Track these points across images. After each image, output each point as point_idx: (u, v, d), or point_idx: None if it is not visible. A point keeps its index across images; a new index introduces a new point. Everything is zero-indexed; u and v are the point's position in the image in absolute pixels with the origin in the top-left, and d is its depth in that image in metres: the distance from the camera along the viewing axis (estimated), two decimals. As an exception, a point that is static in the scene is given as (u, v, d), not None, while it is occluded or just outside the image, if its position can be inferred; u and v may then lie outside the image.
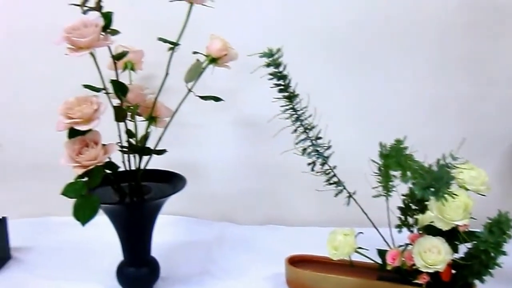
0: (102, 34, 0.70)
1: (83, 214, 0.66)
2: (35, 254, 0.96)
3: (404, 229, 0.77)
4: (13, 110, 1.06)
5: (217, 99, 0.84)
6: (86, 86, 0.73)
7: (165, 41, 0.77)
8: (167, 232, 0.99)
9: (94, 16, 0.71)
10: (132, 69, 0.86)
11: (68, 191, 0.68)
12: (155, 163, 0.83)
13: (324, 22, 1.01)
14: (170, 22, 0.80)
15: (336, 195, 0.80)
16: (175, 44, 0.78)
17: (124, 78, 0.79)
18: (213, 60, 0.81)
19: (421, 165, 0.53)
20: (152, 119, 0.83)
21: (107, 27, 0.71)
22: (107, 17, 0.71)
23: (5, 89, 1.05)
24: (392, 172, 0.65)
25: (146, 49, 0.85)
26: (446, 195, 0.51)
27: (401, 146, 0.58)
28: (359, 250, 0.73)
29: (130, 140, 0.81)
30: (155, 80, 0.91)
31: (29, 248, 0.97)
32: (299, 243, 0.97)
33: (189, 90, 0.82)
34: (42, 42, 1.00)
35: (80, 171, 0.68)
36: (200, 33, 0.78)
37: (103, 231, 1.00)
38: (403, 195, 0.75)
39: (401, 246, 0.73)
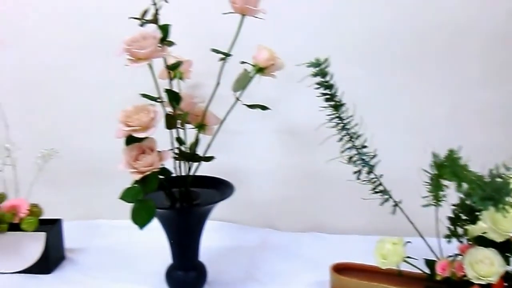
0: (159, 46, 0.73)
1: (140, 218, 0.69)
2: (87, 255, 0.99)
3: (453, 239, 0.77)
4: (70, 117, 1.11)
5: (263, 107, 0.86)
6: (144, 96, 0.77)
7: (218, 52, 0.80)
8: (210, 237, 1.00)
9: (152, 28, 0.75)
10: (181, 78, 0.89)
11: (126, 195, 0.72)
12: (200, 169, 0.85)
13: (370, 32, 1.02)
14: (218, 33, 0.84)
15: (382, 203, 0.81)
16: (227, 55, 0.80)
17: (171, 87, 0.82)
18: (260, 70, 0.84)
19: (478, 175, 0.54)
20: (201, 127, 0.86)
21: (164, 39, 0.74)
22: (165, 30, 0.74)
23: (62, 97, 1.11)
24: (444, 182, 0.65)
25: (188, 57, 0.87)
26: (506, 207, 0.51)
27: (455, 156, 0.59)
28: (408, 259, 0.73)
29: (180, 147, 0.84)
30: (201, 89, 0.94)
31: (81, 249, 1.02)
32: (342, 251, 0.97)
33: (237, 99, 0.84)
34: (99, 52, 1.07)
35: (138, 176, 0.71)
36: (246, 43, 0.80)
37: (150, 235, 1.04)
38: (453, 205, 0.75)
39: (450, 256, 0.73)
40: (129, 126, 0.71)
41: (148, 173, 0.71)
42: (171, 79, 0.81)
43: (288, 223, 1.11)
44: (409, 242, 0.74)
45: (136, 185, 0.73)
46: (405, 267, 0.76)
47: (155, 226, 1.03)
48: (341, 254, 0.89)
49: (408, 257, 0.73)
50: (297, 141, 1.07)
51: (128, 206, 1.09)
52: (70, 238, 0.99)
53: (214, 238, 1.04)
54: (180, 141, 0.84)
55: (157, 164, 0.72)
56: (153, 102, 0.77)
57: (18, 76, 1.07)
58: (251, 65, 0.83)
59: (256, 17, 0.79)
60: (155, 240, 1.00)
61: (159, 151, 0.74)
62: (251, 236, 1.07)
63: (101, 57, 1.06)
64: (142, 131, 0.71)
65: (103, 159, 1.11)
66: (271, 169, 1.09)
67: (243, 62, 0.83)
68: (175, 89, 0.83)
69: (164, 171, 0.76)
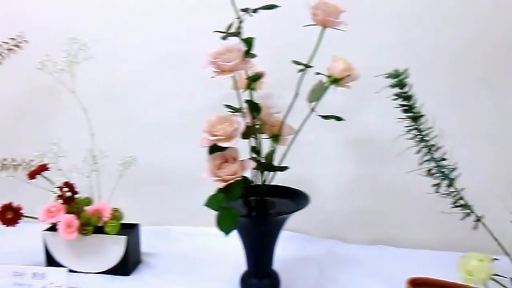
0: (243, 58, 0.76)
1: (225, 225, 0.71)
2: (162, 260, 1.03)
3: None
4: (146, 125, 1.16)
5: (338, 118, 0.86)
6: (228, 106, 0.79)
7: (298, 63, 0.82)
8: (278, 247, 1.02)
9: (235, 41, 0.78)
10: (254, 89, 0.91)
11: (211, 203, 0.74)
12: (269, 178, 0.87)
13: (448, 42, 1.01)
14: (288, 44, 0.85)
15: (463, 218, 0.79)
16: (308, 66, 0.82)
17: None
18: (335, 81, 0.84)
19: None
20: (275, 137, 0.88)
21: (248, 51, 0.76)
22: (249, 43, 0.76)
23: (142, 107, 1.16)
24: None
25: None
26: None
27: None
28: (496, 277, 0.71)
29: (255, 156, 0.86)
30: (272, 99, 0.96)
31: (156, 254, 1.05)
32: (412, 265, 0.96)
33: (312, 110, 0.85)
34: (175, 65, 1.12)
35: (221, 184, 0.74)
36: (319, 54, 0.81)
37: (221, 242, 1.06)
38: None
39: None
40: (214, 135, 0.74)
41: (231, 181, 0.74)
42: (250, 90, 0.83)
43: (357, 235, 1.10)
44: (496, 259, 0.72)
45: (220, 193, 0.75)
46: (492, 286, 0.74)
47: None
48: (412, 269, 0.88)
49: (496, 275, 0.71)
50: (370, 152, 1.07)
51: (198, 214, 1.14)
52: (144, 242, 1.03)
53: (282, 247, 1.05)
54: (255, 150, 0.86)
55: (240, 173, 0.75)
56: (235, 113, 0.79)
57: (102, 86, 1.13)
58: (326, 76, 0.85)
59: (337, 29, 0.80)
60: (226, 247, 1.03)
61: (241, 160, 0.76)
62: (319, 247, 1.07)
63: (177, 69, 1.12)
64: (226, 141, 0.74)
65: (175, 168, 1.16)
66: (342, 180, 1.09)
67: (317, 73, 0.85)
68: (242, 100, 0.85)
69: (245, 180, 0.78)
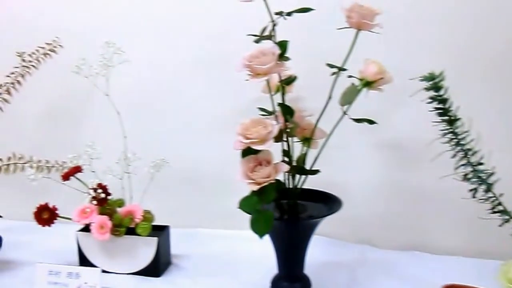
0: (277, 62, 0.76)
1: (260, 228, 0.71)
2: (192, 262, 1.03)
3: None
4: (177, 128, 1.17)
5: (371, 122, 0.85)
6: (261, 109, 0.79)
7: (332, 66, 0.81)
8: (308, 251, 1.01)
9: (270, 44, 0.78)
10: (284, 92, 0.91)
11: (244, 205, 0.74)
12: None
13: (485, 43, 0.99)
14: (321, 46, 0.84)
15: (501, 224, 0.77)
16: (341, 69, 0.81)
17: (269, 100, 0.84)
18: (368, 84, 0.83)
19: None
20: (306, 141, 0.88)
21: (282, 54, 0.76)
22: (283, 46, 0.76)
23: (173, 110, 1.17)
24: None
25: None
26: None
27: None
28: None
29: (286, 159, 0.86)
30: (302, 103, 0.96)
31: (185, 256, 1.06)
32: (445, 272, 0.95)
33: (344, 113, 0.84)
34: (205, 68, 1.13)
35: (255, 187, 0.74)
36: (351, 56, 0.80)
37: (250, 245, 1.06)
38: None
39: None
40: (248, 138, 0.74)
41: (265, 184, 0.74)
42: (282, 93, 0.83)
43: (388, 240, 1.08)
44: (537, 266, 0.70)
45: (253, 195, 0.75)
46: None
47: (255, 236, 1.06)
48: (446, 276, 0.87)
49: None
50: (402, 156, 1.06)
51: (227, 217, 1.15)
52: (173, 244, 1.04)
53: (312, 251, 1.04)
54: (286, 154, 0.86)
55: (273, 176, 0.75)
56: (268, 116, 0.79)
57: (135, 89, 1.15)
58: (358, 79, 0.84)
59: (372, 32, 0.79)
60: (256, 250, 1.03)
61: (275, 163, 0.76)
62: (350, 251, 1.06)
63: (208, 72, 1.13)
64: (260, 144, 0.74)
65: (204, 170, 1.17)
66: (373, 184, 1.08)
67: (350, 76, 0.84)
68: (274, 103, 0.85)
69: (278, 182, 0.78)
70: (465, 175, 0.79)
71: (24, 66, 1.06)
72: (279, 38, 0.79)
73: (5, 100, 1.06)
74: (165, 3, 1.13)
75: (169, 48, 1.14)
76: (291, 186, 0.85)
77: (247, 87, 0.97)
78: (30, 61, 1.06)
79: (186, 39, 1.13)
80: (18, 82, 1.06)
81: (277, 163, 0.77)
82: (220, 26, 1.10)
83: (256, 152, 0.76)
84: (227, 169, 1.12)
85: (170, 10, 1.13)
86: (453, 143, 0.79)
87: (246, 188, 0.83)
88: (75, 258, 0.99)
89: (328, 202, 0.87)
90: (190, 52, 1.13)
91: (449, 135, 0.80)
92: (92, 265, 0.97)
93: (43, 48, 1.07)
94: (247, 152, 0.76)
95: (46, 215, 0.96)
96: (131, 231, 0.95)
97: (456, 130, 0.79)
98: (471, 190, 0.79)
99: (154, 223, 0.98)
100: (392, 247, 1.07)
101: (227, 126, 1.09)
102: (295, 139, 0.86)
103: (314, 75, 0.90)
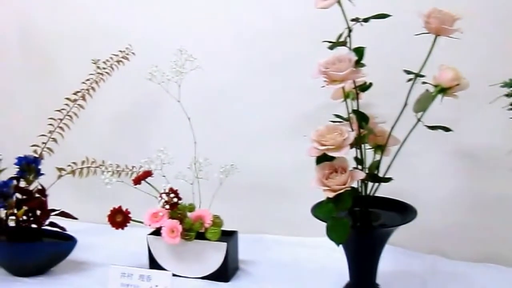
0: (353, 68, 0.75)
1: (337, 235, 0.70)
2: (259, 268, 1.03)
3: None
4: (245, 134, 1.18)
5: (446, 129, 0.83)
6: (337, 116, 0.79)
7: (409, 72, 0.79)
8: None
9: (345, 51, 0.77)
10: (353, 98, 0.90)
11: (319, 212, 0.74)
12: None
13: None
14: (393, 52, 0.82)
15: None
16: (418, 76, 0.79)
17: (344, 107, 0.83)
18: (443, 90, 0.81)
19: None
20: (378, 148, 0.86)
21: (359, 61, 0.75)
22: (360, 52, 0.76)
23: (241, 116, 1.19)
24: None
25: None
26: None
27: None
28: None
29: (358, 167, 0.85)
30: (371, 109, 0.94)
31: (253, 261, 1.06)
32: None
33: (418, 120, 0.82)
34: (272, 73, 1.14)
35: (331, 194, 0.73)
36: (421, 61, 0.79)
37: (317, 252, 1.07)
38: None
39: None
40: (323, 145, 0.73)
41: (341, 191, 0.73)
42: (356, 99, 0.82)
43: (461, 251, 1.04)
44: None
45: (329, 202, 0.74)
46: None
47: (320, 244, 1.05)
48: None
49: None
50: (478, 165, 1.02)
51: (292, 223, 1.14)
52: (240, 250, 1.04)
53: (383, 260, 1.02)
54: (358, 161, 0.84)
55: (349, 183, 0.74)
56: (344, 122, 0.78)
57: (205, 95, 1.17)
58: (433, 85, 0.82)
59: (451, 37, 0.77)
60: (323, 258, 1.03)
61: (350, 170, 0.75)
62: (421, 262, 1.03)
63: (277, 78, 1.13)
64: (336, 151, 0.73)
65: (272, 176, 1.17)
66: (446, 193, 1.04)
67: (424, 83, 0.82)
68: (344, 109, 0.83)
69: (354, 190, 0.77)
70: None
71: (98, 73, 1.10)
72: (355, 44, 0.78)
73: (81, 106, 1.11)
74: (236, 10, 1.15)
75: (239, 54, 1.16)
76: (363, 194, 0.83)
77: (315, 94, 0.97)
78: (104, 68, 1.11)
79: (257, 45, 1.14)
80: (93, 88, 1.11)
81: (353, 170, 0.76)
82: (290, 32, 1.10)
83: (331, 159, 0.75)
84: (294, 176, 1.13)
85: (240, 17, 1.15)
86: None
87: (314, 196, 0.83)
88: (145, 260, 1.02)
89: (401, 211, 0.85)
90: (260, 58, 1.14)
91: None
92: (161, 268, 1.00)
93: (116, 55, 1.11)
94: (322, 158, 0.76)
95: (119, 218, 0.99)
96: (201, 236, 0.97)
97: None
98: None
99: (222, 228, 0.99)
100: (465, 259, 1.03)
101: (295, 132, 1.11)
102: (367, 146, 0.85)
103: (384, 81, 0.88)
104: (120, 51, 1.11)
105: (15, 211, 1.00)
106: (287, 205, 1.15)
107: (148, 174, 1.02)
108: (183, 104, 1.03)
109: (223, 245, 0.96)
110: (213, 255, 0.96)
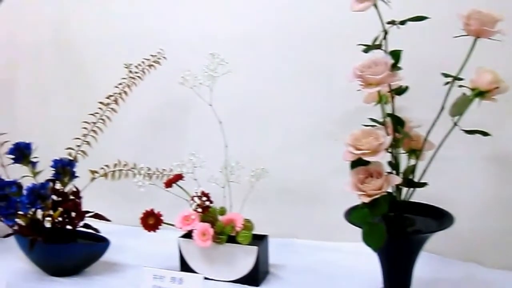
0: (389, 72, 0.74)
1: (374, 241, 0.70)
2: (290, 272, 1.03)
3: None
4: (276, 138, 1.18)
5: (484, 133, 0.81)
6: (372, 120, 0.78)
7: (447, 75, 0.78)
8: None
9: (381, 54, 0.76)
10: (386, 102, 0.88)
11: (355, 218, 0.73)
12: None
13: None
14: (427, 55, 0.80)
15: None
16: (456, 79, 0.78)
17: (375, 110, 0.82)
18: (481, 94, 0.79)
19: None
20: (413, 152, 0.85)
21: (395, 64, 0.74)
22: (397, 55, 0.75)
23: (271, 121, 1.19)
24: None
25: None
26: None
27: None
28: None
29: (393, 171, 0.83)
30: (401, 112, 0.93)
31: (283, 266, 1.05)
32: None
33: (455, 124, 0.81)
34: (300, 79, 1.13)
35: (366, 199, 0.72)
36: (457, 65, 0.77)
37: (348, 258, 1.05)
38: None
39: None
40: (359, 149, 0.73)
41: (376, 196, 0.72)
42: (392, 103, 0.81)
43: (497, 259, 1.01)
44: None
45: (364, 207, 0.73)
46: None
47: (352, 249, 1.04)
48: None
49: None
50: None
51: (323, 228, 1.13)
52: (270, 254, 1.04)
53: (418, 267, 1.00)
54: (393, 165, 0.83)
55: (385, 188, 0.73)
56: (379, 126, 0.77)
57: (236, 98, 1.17)
58: (470, 88, 0.80)
59: (492, 39, 0.75)
60: (351, 263, 1.02)
61: (386, 175, 0.74)
62: (457, 269, 1.00)
63: (307, 82, 1.13)
64: (372, 155, 0.73)
65: (302, 180, 1.16)
66: (483, 199, 1.02)
67: (461, 86, 0.80)
68: (378, 113, 0.82)
69: (390, 195, 0.76)
70: None
71: (131, 77, 1.12)
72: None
73: (113, 110, 1.12)
74: (269, 15, 1.15)
75: (270, 57, 1.16)
76: (398, 199, 0.82)
77: (346, 97, 0.96)
78: (136, 72, 1.12)
79: (287, 49, 1.14)
80: (125, 92, 1.12)
81: (388, 175, 0.75)
82: (322, 35, 1.10)
83: (366, 163, 0.74)
84: (325, 180, 1.12)
85: (272, 21, 1.15)
86: None
87: (344, 200, 0.82)
88: (177, 263, 1.02)
89: (437, 217, 0.83)
90: (292, 62, 1.14)
91: None
92: (192, 271, 1.00)
93: (148, 59, 1.13)
94: (357, 163, 0.75)
95: (152, 221, 1.00)
96: (232, 239, 0.97)
97: None
98: None
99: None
100: (501, 267, 1.00)
101: (325, 136, 1.10)
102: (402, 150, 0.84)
103: (417, 85, 0.87)
104: (152, 55, 1.13)
105: (51, 212, 1.03)
106: (318, 209, 1.15)
107: (179, 177, 1.02)
108: (215, 107, 1.03)
109: (254, 249, 0.95)
110: (243, 258, 0.96)
